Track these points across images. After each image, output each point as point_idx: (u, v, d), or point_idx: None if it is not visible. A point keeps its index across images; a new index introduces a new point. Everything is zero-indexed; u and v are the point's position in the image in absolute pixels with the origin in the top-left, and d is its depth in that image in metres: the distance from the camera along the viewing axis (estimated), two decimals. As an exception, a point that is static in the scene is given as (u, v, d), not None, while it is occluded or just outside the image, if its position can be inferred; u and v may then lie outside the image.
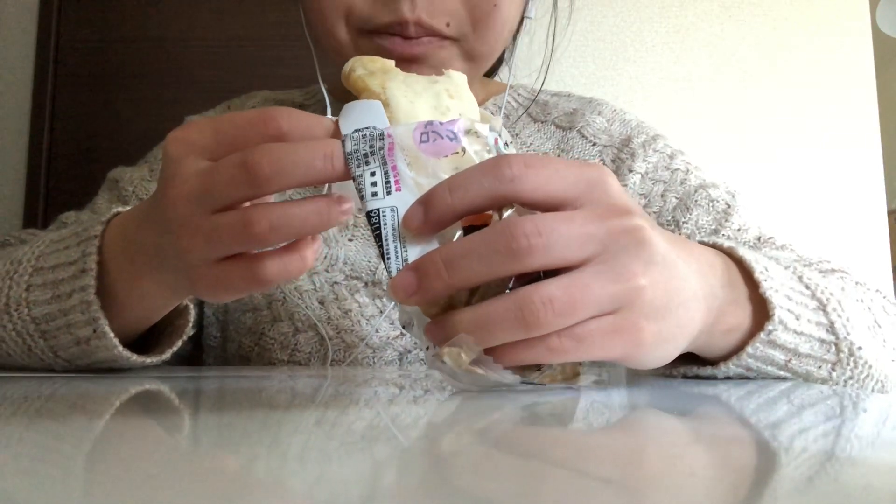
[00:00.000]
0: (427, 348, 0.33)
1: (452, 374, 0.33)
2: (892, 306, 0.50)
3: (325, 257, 0.64)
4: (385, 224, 0.33)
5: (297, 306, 0.63)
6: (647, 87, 1.14)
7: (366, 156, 0.33)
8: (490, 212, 0.33)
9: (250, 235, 0.33)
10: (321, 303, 0.63)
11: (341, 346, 0.62)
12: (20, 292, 0.44)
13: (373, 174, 0.33)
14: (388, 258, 0.33)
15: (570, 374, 0.36)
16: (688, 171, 0.67)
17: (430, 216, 0.32)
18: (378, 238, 0.33)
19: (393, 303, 0.62)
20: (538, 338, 0.31)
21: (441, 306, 0.33)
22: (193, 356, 0.71)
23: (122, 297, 0.44)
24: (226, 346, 0.69)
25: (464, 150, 0.34)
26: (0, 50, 1.22)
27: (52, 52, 1.20)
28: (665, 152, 0.68)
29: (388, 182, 0.33)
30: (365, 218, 0.59)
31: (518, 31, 0.64)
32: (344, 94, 0.69)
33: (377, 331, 0.61)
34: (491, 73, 0.76)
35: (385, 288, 0.62)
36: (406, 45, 0.55)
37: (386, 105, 0.36)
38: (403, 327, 0.36)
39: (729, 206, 0.63)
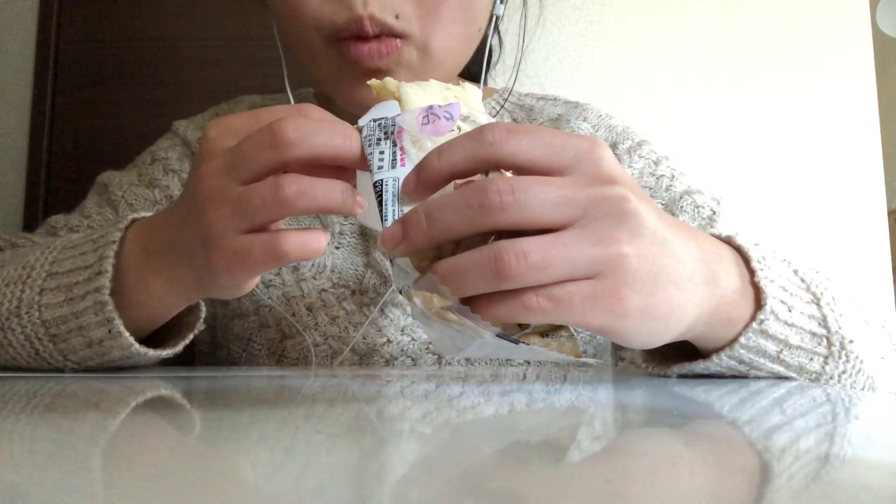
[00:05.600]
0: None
1: (424, 320, 0.34)
2: (879, 312, 0.50)
3: (314, 265, 0.64)
4: (387, 191, 0.36)
5: (283, 313, 0.63)
6: (646, 86, 1.14)
7: (379, 139, 0.38)
8: (478, 175, 0.35)
9: (278, 199, 0.36)
10: (309, 309, 0.63)
11: (328, 353, 0.62)
12: (33, 296, 0.44)
13: (381, 152, 0.37)
14: (386, 220, 0.35)
15: (570, 351, 0.36)
16: (673, 177, 0.66)
17: (420, 178, 0.35)
18: (380, 204, 0.36)
19: (379, 307, 0.62)
20: (514, 294, 0.32)
21: (430, 259, 0.34)
22: (186, 361, 0.71)
23: (133, 296, 0.44)
24: (216, 352, 0.70)
25: (459, 128, 0.37)
26: (0, 50, 1.22)
27: (52, 52, 1.20)
28: (650, 158, 0.68)
29: (394, 158, 0.37)
30: (351, 225, 0.64)
31: (488, 29, 0.63)
32: (324, 101, 0.70)
33: (364, 337, 0.61)
34: (477, 77, 0.75)
35: (371, 295, 0.62)
36: (370, 55, 0.54)
37: (400, 102, 0.40)
38: (400, 293, 0.37)
39: (714, 213, 0.63)
